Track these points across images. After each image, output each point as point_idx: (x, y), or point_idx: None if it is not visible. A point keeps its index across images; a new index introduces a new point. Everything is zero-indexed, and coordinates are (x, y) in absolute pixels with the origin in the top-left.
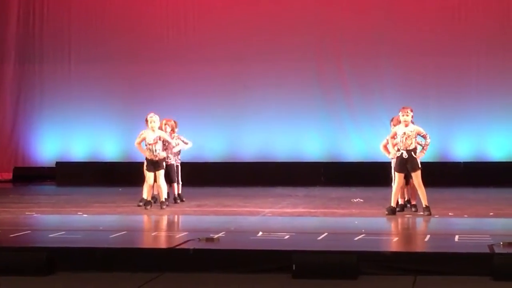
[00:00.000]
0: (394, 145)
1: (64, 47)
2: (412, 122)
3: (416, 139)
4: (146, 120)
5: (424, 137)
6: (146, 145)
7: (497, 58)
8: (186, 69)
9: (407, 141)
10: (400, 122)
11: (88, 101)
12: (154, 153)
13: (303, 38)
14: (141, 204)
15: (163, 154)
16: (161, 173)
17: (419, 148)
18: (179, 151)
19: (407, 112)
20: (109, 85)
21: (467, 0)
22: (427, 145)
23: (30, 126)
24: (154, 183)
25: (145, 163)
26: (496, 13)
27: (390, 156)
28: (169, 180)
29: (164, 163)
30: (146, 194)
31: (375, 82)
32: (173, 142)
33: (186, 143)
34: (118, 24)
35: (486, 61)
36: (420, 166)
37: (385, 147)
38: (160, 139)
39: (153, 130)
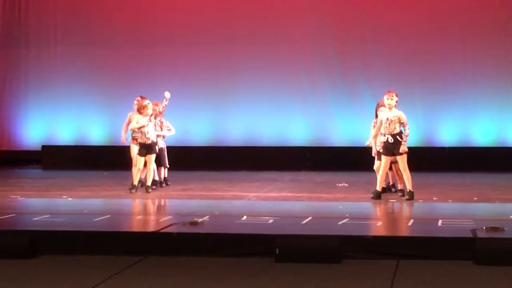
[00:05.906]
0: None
1: (50, 30)
2: (395, 107)
3: (399, 125)
4: (144, 107)
5: (403, 125)
6: (138, 129)
7: (482, 43)
8: (172, 53)
9: (390, 126)
10: (384, 105)
11: (74, 84)
12: (147, 136)
13: (289, 22)
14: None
15: (154, 137)
16: (152, 157)
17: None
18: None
19: (392, 96)
20: (95, 69)
21: None
22: (407, 136)
23: (16, 109)
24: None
25: (133, 148)
26: None
27: (367, 142)
28: (159, 163)
29: (156, 147)
30: (136, 179)
31: (361, 66)
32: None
33: (169, 130)
34: (105, 7)
35: (472, 46)
36: (407, 150)
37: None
38: (150, 120)
39: (145, 115)
